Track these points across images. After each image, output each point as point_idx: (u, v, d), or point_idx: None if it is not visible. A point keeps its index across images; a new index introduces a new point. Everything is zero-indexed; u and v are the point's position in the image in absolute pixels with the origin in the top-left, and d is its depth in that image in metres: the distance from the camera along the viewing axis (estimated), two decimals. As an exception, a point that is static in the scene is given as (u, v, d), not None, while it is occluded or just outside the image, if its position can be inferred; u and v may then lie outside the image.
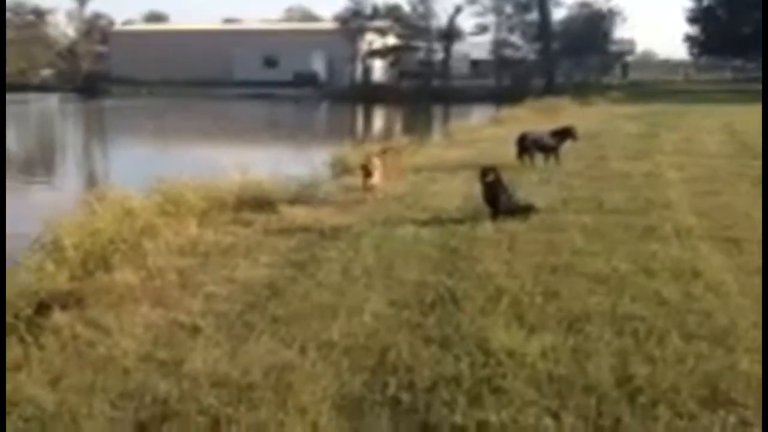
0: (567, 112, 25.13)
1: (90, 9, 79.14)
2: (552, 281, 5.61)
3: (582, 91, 38.22)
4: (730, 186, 9.86)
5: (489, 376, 3.97)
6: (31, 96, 52.98)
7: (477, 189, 8.26)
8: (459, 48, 65.93)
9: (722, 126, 19.44)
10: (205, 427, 3.55)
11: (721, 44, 60.90)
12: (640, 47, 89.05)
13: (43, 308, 5.17)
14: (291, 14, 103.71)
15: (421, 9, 62.65)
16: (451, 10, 62.30)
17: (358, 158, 11.00)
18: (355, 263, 6.21)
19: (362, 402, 3.76)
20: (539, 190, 9.39)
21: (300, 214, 8.39)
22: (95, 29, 78.82)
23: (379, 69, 66.15)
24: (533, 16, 59.55)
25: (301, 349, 4.38)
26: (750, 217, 7.71)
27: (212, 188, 8.90)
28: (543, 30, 57.88)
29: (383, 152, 10.80)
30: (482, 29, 61.78)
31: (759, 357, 4.14)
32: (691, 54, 69.47)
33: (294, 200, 9.24)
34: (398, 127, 34.74)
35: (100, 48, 76.07)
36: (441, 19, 62.15)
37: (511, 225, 7.43)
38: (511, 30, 61.54)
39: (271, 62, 65.47)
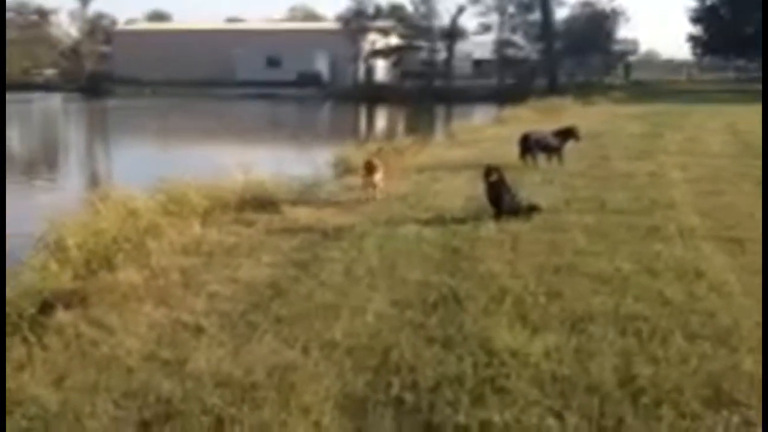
0: (570, 112, 25.13)
1: (93, 9, 79.55)
2: (555, 281, 5.61)
3: (585, 91, 38.15)
4: (734, 186, 9.86)
5: (492, 376, 3.97)
6: (35, 95, 53.09)
7: (480, 189, 8.27)
8: (462, 48, 65.90)
9: (725, 126, 19.44)
10: (209, 426, 3.56)
11: (725, 44, 60.88)
12: (642, 47, 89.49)
13: (46, 307, 5.17)
14: (294, 14, 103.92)
15: (423, 9, 62.61)
16: (453, 9, 62.53)
17: (360, 158, 11.00)
18: (357, 263, 6.22)
19: (365, 402, 3.77)
20: (542, 190, 9.39)
21: (303, 214, 8.40)
22: (98, 29, 79.08)
23: (381, 69, 66.16)
24: (536, 15, 59.41)
25: (304, 349, 4.39)
26: (753, 217, 7.71)
27: (215, 188, 8.91)
28: (546, 30, 57.74)
29: (378, 152, 10.79)
30: (485, 29, 61.89)
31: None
32: (694, 54, 69.53)
33: (297, 200, 9.26)
34: (401, 126, 34.66)
35: (103, 48, 76.21)
36: (444, 19, 62.26)
37: (514, 225, 7.43)
38: (513, 30, 61.59)
39: (274, 62, 65.35)
